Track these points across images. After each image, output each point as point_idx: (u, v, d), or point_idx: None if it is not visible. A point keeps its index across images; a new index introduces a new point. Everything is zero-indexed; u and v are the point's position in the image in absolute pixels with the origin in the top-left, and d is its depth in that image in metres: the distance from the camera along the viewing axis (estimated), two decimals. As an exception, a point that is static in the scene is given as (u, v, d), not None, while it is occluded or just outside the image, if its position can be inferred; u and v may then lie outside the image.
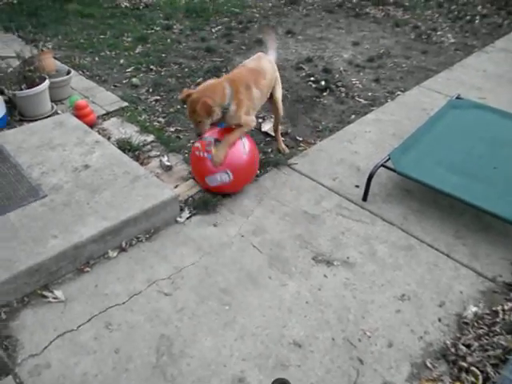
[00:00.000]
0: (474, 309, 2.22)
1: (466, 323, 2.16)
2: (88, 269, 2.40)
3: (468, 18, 6.82)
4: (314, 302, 2.27)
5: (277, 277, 2.40)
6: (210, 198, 2.88)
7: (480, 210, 2.64)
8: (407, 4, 7.37)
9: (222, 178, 2.79)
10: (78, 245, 2.34)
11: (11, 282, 2.15)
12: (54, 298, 2.23)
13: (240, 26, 6.05)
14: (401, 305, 2.28)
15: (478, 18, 6.84)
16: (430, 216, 2.85)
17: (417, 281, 2.41)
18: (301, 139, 3.59)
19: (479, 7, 7.35)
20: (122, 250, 2.52)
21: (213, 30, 5.90)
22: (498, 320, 2.14)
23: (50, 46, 4.96)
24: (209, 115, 2.58)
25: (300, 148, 3.49)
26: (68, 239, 2.35)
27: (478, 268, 2.49)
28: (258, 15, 6.58)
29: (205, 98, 2.53)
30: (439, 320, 2.20)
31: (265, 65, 3.07)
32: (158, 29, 5.84)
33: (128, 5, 6.64)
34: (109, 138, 3.44)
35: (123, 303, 2.23)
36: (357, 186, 3.08)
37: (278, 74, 3.23)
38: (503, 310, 2.20)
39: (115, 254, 2.49)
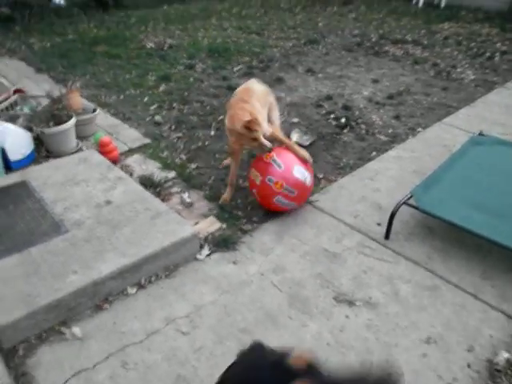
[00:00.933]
0: (506, 355, 2.11)
1: (499, 370, 2.05)
2: (106, 305, 2.39)
3: (488, 54, 6.84)
4: (335, 343, 2.20)
5: (297, 317, 2.34)
6: (230, 236, 2.87)
7: (507, 250, 2.55)
8: (426, 42, 7.45)
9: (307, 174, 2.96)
10: (97, 281, 2.34)
11: (31, 317, 2.15)
12: (72, 335, 2.21)
13: (261, 65, 6.20)
14: (427, 348, 2.18)
15: (497, 54, 6.85)
16: (455, 255, 2.77)
17: (443, 323, 2.31)
18: (321, 176, 3.58)
19: (498, 44, 7.39)
20: (141, 286, 2.51)
21: (234, 69, 6.05)
22: (531, 367, 2.03)
23: (77, 85, 5.14)
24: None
25: (321, 185, 3.48)
26: (88, 275, 2.35)
27: (507, 311, 2.38)
28: (278, 54, 6.73)
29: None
30: (468, 366, 2.09)
31: (253, 85, 3.27)
32: (181, 68, 6.02)
33: (153, 46, 6.89)
34: (131, 175, 3.49)
35: (140, 342, 2.19)
36: (378, 224, 3.03)
37: (271, 98, 3.38)
38: (537, 357, 2.08)
39: (134, 291, 2.48)
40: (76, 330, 2.23)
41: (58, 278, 2.32)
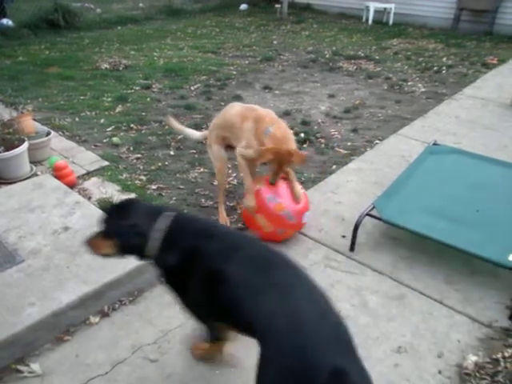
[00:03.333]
0: (474, 358, 2.14)
1: (468, 374, 2.08)
2: (68, 337, 2.26)
3: (435, 68, 7.17)
4: (308, 360, 2.16)
5: (268, 335, 2.29)
6: (195, 255, 2.80)
7: (468, 254, 2.62)
8: (377, 57, 7.73)
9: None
10: (56, 312, 2.22)
11: (-17, 357, 2.01)
12: (30, 373, 2.07)
13: (218, 84, 6.21)
14: (398, 358, 2.19)
15: (444, 68, 7.20)
16: (419, 263, 2.82)
17: (412, 331, 2.34)
18: (284, 191, 3.58)
19: (444, 58, 7.77)
20: (105, 314, 2.40)
21: (192, 88, 6.04)
22: (499, 369, 2.08)
23: (30, 109, 4.97)
24: None
25: (284, 200, 3.48)
26: (46, 306, 2.22)
27: (472, 314, 2.44)
28: (235, 72, 6.78)
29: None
30: (440, 372, 2.11)
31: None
32: (137, 88, 5.94)
33: (108, 66, 6.78)
34: (89, 198, 3.37)
35: (106, 373, 2.08)
36: (343, 237, 3.05)
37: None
38: (504, 358, 2.14)
39: (97, 320, 2.36)
40: (35, 366, 2.09)
41: (13, 312, 2.18)
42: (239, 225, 3.17)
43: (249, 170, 2.99)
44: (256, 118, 2.92)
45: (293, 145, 2.84)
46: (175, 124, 3.55)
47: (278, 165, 2.81)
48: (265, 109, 3.07)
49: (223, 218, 3.20)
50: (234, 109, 3.10)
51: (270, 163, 2.87)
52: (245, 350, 2.20)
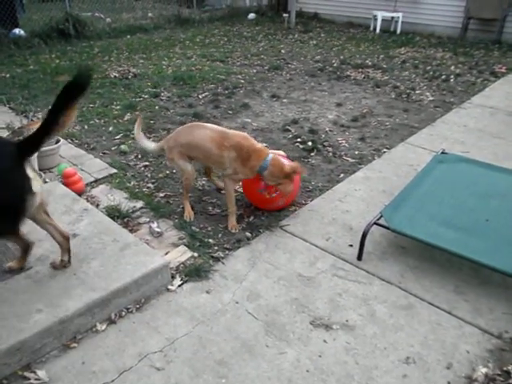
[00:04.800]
0: (484, 370, 2.11)
1: (477, 387, 2.04)
2: (75, 344, 2.26)
3: (443, 77, 7.15)
4: (314, 370, 2.15)
5: (274, 344, 2.28)
6: (201, 264, 2.80)
7: (477, 264, 2.60)
8: (385, 66, 7.73)
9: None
10: (63, 319, 2.22)
11: (-10, 363, 2.01)
12: (37, 380, 2.07)
13: (226, 92, 6.24)
14: (406, 369, 2.16)
15: (452, 77, 7.18)
16: (428, 272, 2.79)
17: (420, 342, 2.31)
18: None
19: (452, 67, 7.75)
20: (111, 322, 2.40)
21: (200, 97, 6.07)
22: (511, 381, 2.03)
23: (40, 116, 5.02)
24: None
25: (291, 209, 3.47)
26: (53, 313, 2.23)
27: (482, 325, 2.41)
28: (243, 81, 6.81)
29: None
30: (449, 384, 2.08)
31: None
32: (146, 97, 5.99)
33: (117, 75, 6.85)
34: (97, 206, 3.39)
35: (112, 381, 2.08)
36: (351, 246, 3.03)
37: None
38: (514, 370, 2.10)
39: (104, 327, 2.36)
40: (41, 373, 2.09)
41: (20, 318, 2.19)
42: (246, 233, 3.16)
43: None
44: (236, 146, 3.06)
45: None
46: (137, 127, 3.51)
47: (280, 181, 3.10)
48: (235, 131, 3.23)
49: (188, 212, 3.33)
50: (203, 132, 3.16)
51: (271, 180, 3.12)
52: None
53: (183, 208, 3.37)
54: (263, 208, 3.43)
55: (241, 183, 3.51)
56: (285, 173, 3.04)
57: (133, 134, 4.72)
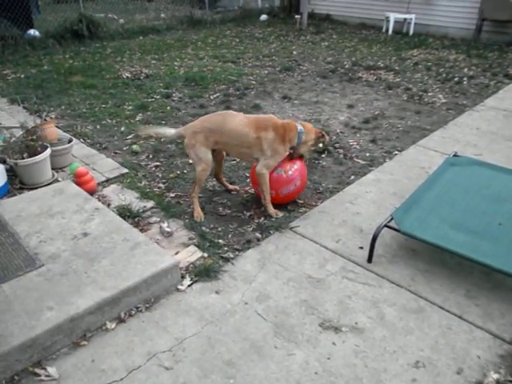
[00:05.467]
0: (496, 375, 2.09)
1: (488, 392, 2.02)
2: (84, 342, 2.28)
3: (456, 79, 7.08)
4: (323, 372, 2.14)
5: (283, 346, 2.28)
6: (211, 264, 2.81)
7: (489, 268, 2.57)
8: (397, 68, 7.68)
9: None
10: (74, 317, 2.24)
11: (2, 359, 2.03)
12: (47, 376, 2.09)
13: (237, 93, 6.26)
14: (416, 373, 2.14)
15: (465, 79, 7.10)
16: (439, 276, 2.77)
17: (430, 346, 2.29)
18: (301, 201, 3.58)
19: (465, 69, 7.67)
20: (121, 321, 2.41)
21: (211, 97, 6.09)
22: (521, 388, 2.01)
23: (53, 116, 5.08)
24: None
25: (301, 210, 3.47)
26: (64, 311, 2.25)
27: (493, 330, 2.38)
28: (254, 82, 6.82)
29: None
30: (458, 389, 2.06)
31: None
32: (157, 97, 6.03)
33: (129, 75, 6.90)
34: (108, 205, 3.42)
35: (121, 379, 2.09)
36: (361, 248, 3.02)
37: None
38: (526, 377, 2.07)
39: (113, 326, 2.38)
40: (52, 370, 2.12)
41: (32, 316, 2.22)
42: (256, 234, 3.16)
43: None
44: (273, 126, 3.18)
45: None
46: (148, 130, 3.78)
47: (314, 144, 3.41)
48: (261, 115, 3.48)
49: (198, 213, 3.32)
50: (237, 118, 3.23)
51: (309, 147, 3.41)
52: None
53: (193, 208, 3.38)
54: (279, 201, 3.41)
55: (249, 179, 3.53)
56: (317, 133, 3.35)
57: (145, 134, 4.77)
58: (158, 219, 3.30)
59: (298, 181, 3.36)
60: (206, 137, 3.17)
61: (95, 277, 2.49)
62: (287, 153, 3.29)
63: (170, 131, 3.48)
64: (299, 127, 3.27)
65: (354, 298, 2.60)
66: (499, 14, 9.42)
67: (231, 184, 3.77)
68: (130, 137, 4.75)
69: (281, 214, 3.34)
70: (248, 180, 3.84)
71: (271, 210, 3.34)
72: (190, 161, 3.62)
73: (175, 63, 7.83)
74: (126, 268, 2.56)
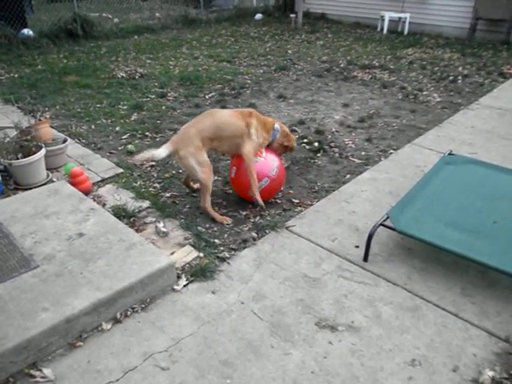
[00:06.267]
0: (491, 373, 2.09)
1: (484, 390, 2.03)
2: (80, 343, 2.27)
3: (451, 78, 7.11)
4: (320, 371, 2.14)
5: (279, 345, 2.28)
6: (207, 264, 2.80)
7: (485, 266, 2.58)
8: (392, 67, 7.70)
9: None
10: (70, 318, 2.23)
11: (-3, 361, 2.02)
12: (43, 378, 2.08)
13: (233, 92, 6.25)
14: (412, 371, 2.15)
15: (460, 77, 7.13)
16: (435, 274, 2.78)
17: (426, 344, 2.29)
18: (297, 201, 3.58)
19: (460, 68, 7.71)
20: (117, 321, 2.40)
21: (206, 97, 6.08)
22: (517, 385, 2.02)
23: (47, 116, 5.06)
24: None
25: (297, 210, 3.47)
26: (60, 312, 2.24)
27: (489, 328, 2.39)
28: (249, 81, 6.82)
29: None
30: (454, 387, 2.06)
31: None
32: (152, 97, 6.01)
33: (124, 75, 6.88)
34: (104, 205, 3.41)
35: (117, 380, 2.08)
36: (357, 247, 3.02)
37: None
38: (521, 374, 2.08)
39: (109, 327, 2.37)
40: (47, 371, 2.11)
41: (27, 317, 2.20)
42: (252, 233, 3.16)
43: None
44: (255, 115, 3.41)
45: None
46: (143, 156, 3.19)
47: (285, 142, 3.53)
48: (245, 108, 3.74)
49: (221, 218, 3.30)
50: (222, 112, 3.45)
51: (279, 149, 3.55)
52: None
53: (214, 217, 3.29)
54: (249, 197, 3.39)
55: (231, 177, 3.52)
56: (288, 140, 3.53)
57: (139, 133, 4.75)
58: (154, 219, 3.29)
59: (267, 179, 3.35)
60: (202, 139, 3.17)
61: (91, 277, 2.48)
62: (267, 142, 3.43)
63: (160, 151, 3.13)
64: (276, 125, 3.47)
65: (350, 296, 2.61)
66: (493, 12, 9.46)
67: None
68: (125, 136, 4.73)
69: (263, 206, 3.36)
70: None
71: (259, 197, 3.29)
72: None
73: (170, 63, 7.81)
74: (121, 268, 2.55)
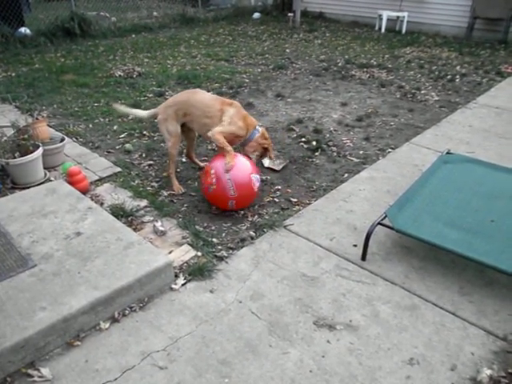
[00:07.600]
0: (489, 371, 2.10)
1: (482, 388, 2.03)
2: (78, 342, 2.27)
3: (449, 77, 7.12)
4: (318, 370, 2.14)
5: (277, 344, 2.28)
6: (205, 263, 2.80)
7: (483, 265, 2.58)
8: (390, 66, 7.71)
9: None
10: (67, 317, 2.22)
11: (-5, 361, 2.02)
12: (40, 377, 2.07)
13: (231, 91, 6.24)
14: (410, 370, 2.15)
15: (458, 76, 7.14)
16: (433, 273, 2.78)
17: (424, 343, 2.30)
18: (295, 200, 3.58)
19: (458, 67, 7.71)
20: (115, 320, 2.40)
21: (204, 96, 6.06)
22: (515, 384, 2.02)
23: (44, 115, 5.04)
24: None
25: (295, 209, 3.47)
26: (57, 311, 2.23)
27: (487, 326, 2.39)
28: (247, 80, 6.81)
29: None
30: (452, 386, 2.07)
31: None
32: (150, 96, 6.00)
33: (122, 74, 6.86)
34: (101, 204, 3.40)
35: (115, 379, 2.08)
36: (355, 246, 3.02)
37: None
38: (519, 372, 2.08)
39: (107, 326, 2.36)
40: (45, 371, 2.10)
41: (24, 316, 2.20)
42: (250, 232, 3.16)
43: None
44: (236, 105, 3.49)
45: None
46: (122, 108, 4.03)
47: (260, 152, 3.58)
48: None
49: (177, 187, 3.64)
50: (205, 94, 3.62)
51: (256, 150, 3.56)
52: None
53: (171, 184, 3.58)
54: (209, 199, 3.42)
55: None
56: (267, 136, 3.56)
57: (137, 132, 4.74)
58: (152, 218, 3.28)
59: (215, 185, 3.22)
60: (177, 110, 3.49)
61: (88, 276, 2.47)
62: (243, 132, 3.44)
63: (144, 112, 3.85)
64: (258, 127, 3.54)
65: (349, 295, 2.61)
66: (491, 11, 9.47)
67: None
68: (122, 135, 4.72)
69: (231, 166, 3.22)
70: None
71: (232, 161, 3.21)
72: (164, 141, 3.89)
73: (168, 61, 7.79)
74: (119, 267, 2.54)
